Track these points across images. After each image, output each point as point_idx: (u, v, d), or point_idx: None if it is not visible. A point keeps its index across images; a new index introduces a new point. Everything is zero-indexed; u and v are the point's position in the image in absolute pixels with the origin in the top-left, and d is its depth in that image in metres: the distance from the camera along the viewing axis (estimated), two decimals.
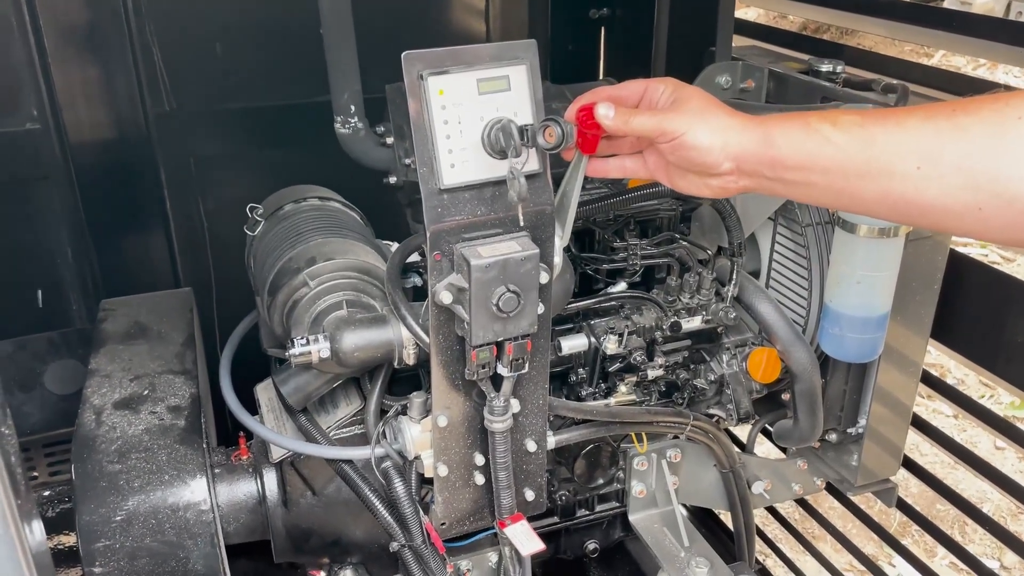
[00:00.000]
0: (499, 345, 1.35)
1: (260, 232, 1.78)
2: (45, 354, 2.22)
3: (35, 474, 2.08)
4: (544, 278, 1.34)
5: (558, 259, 1.40)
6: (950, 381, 3.00)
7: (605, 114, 1.19)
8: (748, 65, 2.06)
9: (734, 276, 1.79)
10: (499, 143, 1.25)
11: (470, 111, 1.26)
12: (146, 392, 1.80)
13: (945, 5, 6.31)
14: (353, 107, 1.78)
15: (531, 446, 1.51)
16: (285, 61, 2.56)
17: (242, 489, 1.75)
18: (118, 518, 1.57)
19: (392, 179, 1.77)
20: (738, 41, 2.34)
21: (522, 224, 1.32)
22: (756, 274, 2.01)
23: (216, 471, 1.75)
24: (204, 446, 1.69)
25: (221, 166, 2.69)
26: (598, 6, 3.03)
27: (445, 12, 2.85)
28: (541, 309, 1.37)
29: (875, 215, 1.08)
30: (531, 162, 1.30)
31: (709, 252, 1.83)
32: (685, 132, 1.15)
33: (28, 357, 2.20)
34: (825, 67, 1.95)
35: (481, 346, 1.33)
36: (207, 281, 2.67)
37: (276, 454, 1.70)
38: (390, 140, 1.76)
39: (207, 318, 2.71)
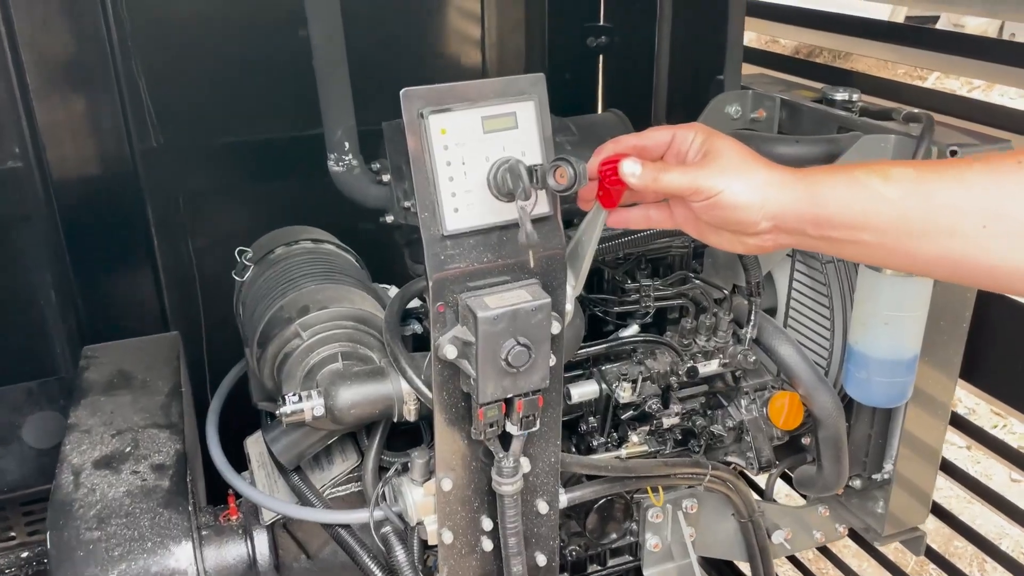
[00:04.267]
0: (508, 402, 1.25)
1: (249, 278, 1.68)
2: (24, 405, 2.11)
3: (12, 534, 1.95)
4: (556, 328, 1.24)
5: (570, 307, 1.30)
6: (960, 411, 2.90)
7: (631, 172, 1.10)
8: (759, 94, 1.97)
9: (752, 317, 1.69)
10: (506, 185, 1.16)
11: (475, 151, 1.17)
12: (128, 449, 1.69)
13: (938, 27, 6.30)
14: (347, 144, 1.68)
15: (543, 507, 1.41)
16: (276, 94, 2.49)
17: (232, 552, 1.63)
18: None
19: (389, 218, 1.68)
20: (744, 69, 2.27)
21: (531, 267, 1.22)
22: (772, 312, 1.92)
23: (203, 533, 1.63)
24: (190, 508, 1.58)
25: (211, 203, 2.61)
26: (596, 35, 2.97)
27: (440, 42, 2.77)
28: (553, 361, 1.27)
29: (932, 275, 0.99)
30: (541, 204, 1.20)
31: (725, 291, 1.73)
32: (722, 191, 1.05)
33: (7, 408, 2.08)
34: (840, 95, 1.87)
35: (489, 404, 1.22)
36: (197, 323, 2.58)
37: (268, 515, 1.59)
38: (386, 177, 1.66)
39: (196, 362, 2.61)
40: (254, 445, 1.77)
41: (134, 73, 2.36)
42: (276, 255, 1.69)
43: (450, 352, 1.20)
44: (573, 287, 1.30)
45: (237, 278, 1.71)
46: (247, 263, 1.68)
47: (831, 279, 1.73)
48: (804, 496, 2.08)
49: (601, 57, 3.00)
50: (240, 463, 1.77)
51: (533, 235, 1.14)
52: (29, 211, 2.36)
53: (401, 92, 1.13)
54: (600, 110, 3.08)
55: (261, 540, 1.61)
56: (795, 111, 1.91)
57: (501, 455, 1.29)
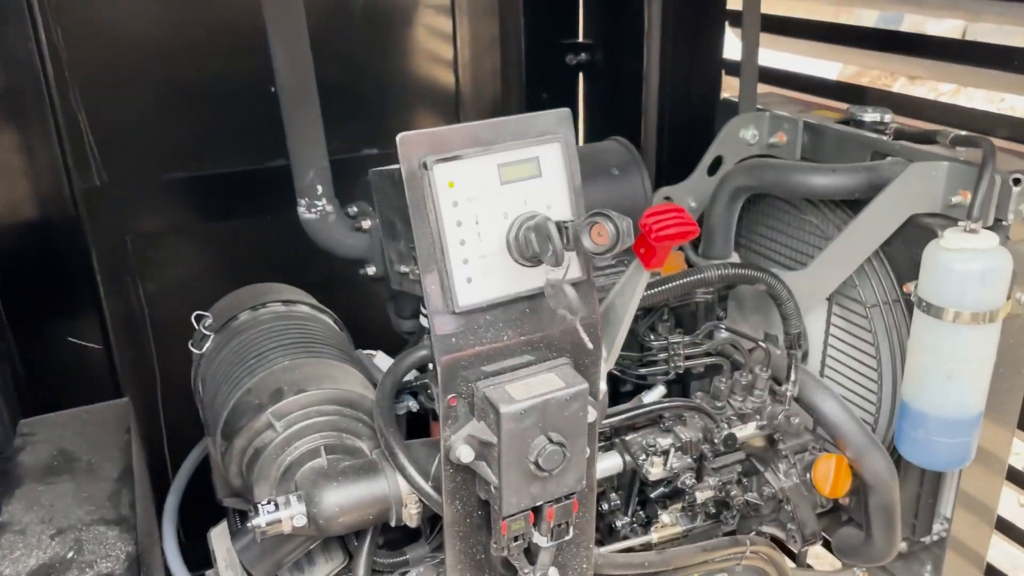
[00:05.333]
0: (536, 509, 1.02)
1: (210, 349, 1.42)
2: None
3: None
4: (592, 416, 1.02)
5: (604, 386, 1.08)
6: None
7: None
8: (777, 116, 1.78)
9: (793, 373, 1.48)
10: (531, 247, 0.93)
11: (491, 207, 0.94)
12: (71, 555, 1.43)
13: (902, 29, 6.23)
14: (320, 187, 1.45)
15: None
16: (231, 124, 2.27)
17: None
18: None
19: (371, 270, 1.45)
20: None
21: (590, 347, 1.00)
22: (804, 359, 1.71)
23: None
24: None
25: (163, 245, 2.37)
26: (575, 52, 2.78)
27: (409, 62, 2.56)
28: (587, 453, 1.04)
29: None
30: (572, 268, 0.98)
31: (761, 343, 1.52)
32: None
33: None
34: (870, 116, 1.68)
35: (514, 515, 0.99)
36: (152, 384, 2.33)
37: None
38: (366, 224, 1.43)
39: (154, 428, 2.36)
40: (220, 539, 1.52)
41: (72, 106, 2.13)
42: (240, 322, 1.43)
43: (465, 455, 0.97)
44: (606, 361, 1.08)
45: (195, 350, 1.46)
46: (206, 331, 1.42)
47: (877, 325, 1.53)
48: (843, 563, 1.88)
49: (581, 75, 2.81)
50: (206, 553, 1.53)
51: (576, 302, 0.92)
52: None
53: (398, 138, 0.91)
54: (582, 132, 2.89)
55: None
56: (819, 134, 1.72)
57: (527, 570, 1.06)
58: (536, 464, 0.96)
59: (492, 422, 0.95)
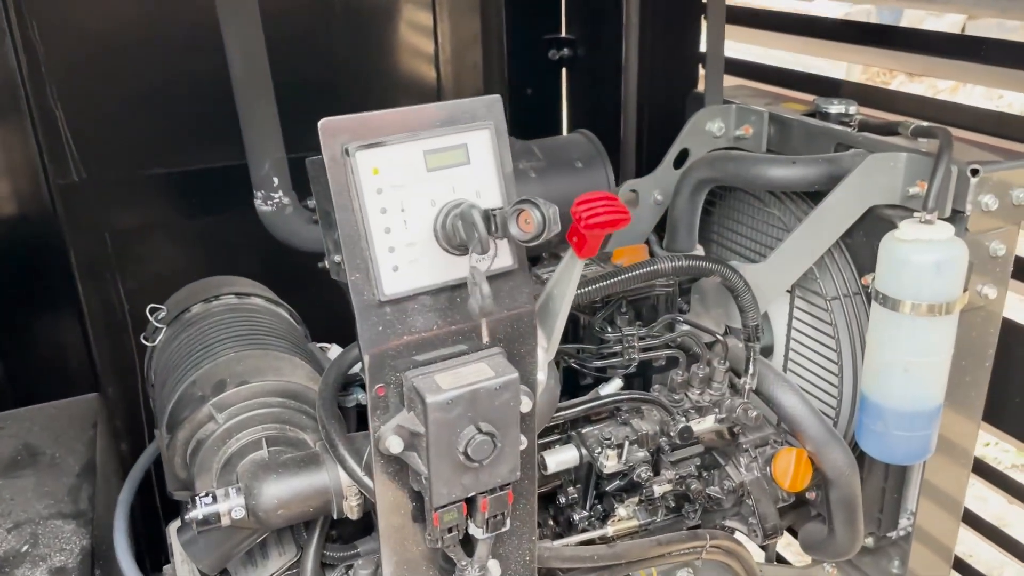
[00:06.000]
0: (470, 500, 1.01)
1: (162, 341, 1.42)
2: None
3: None
4: (527, 405, 1.01)
5: (542, 375, 1.07)
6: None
7: None
8: (744, 108, 1.76)
9: (752, 366, 1.47)
10: (458, 235, 0.92)
11: (417, 194, 0.93)
12: (25, 548, 1.43)
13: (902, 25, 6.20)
14: (276, 179, 1.45)
15: None
16: (209, 119, 2.26)
17: None
18: None
19: (327, 263, 1.44)
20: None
21: (486, 342, 0.99)
22: (769, 353, 1.70)
23: None
24: None
25: (142, 241, 2.37)
26: (558, 47, 2.77)
27: (387, 58, 2.54)
28: (524, 444, 1.03)
29: None
30: (503, 256, 0.97)
31: (718, 335, 1.51)
32: None
33: None
34: (835, 108, 1.66)
35: (446, 506, 0.98)
36: (132, 377, 2.32)
37: None
38: None
39: (134, 421, 2.36)
40: (178, 534, 1.51)
41: (49, 101, 2.12)
42: (192, 314, 1.43)
43: (394, 445, 0.96)
44: (545, 350, 1.07)
45: (147, 342, 1.45)
46: (158, 324, 1.42)
47: (837, 317, 1.51)
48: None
49: (564, 71, 2.80)
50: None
51: (489, 302, 0.91)
52: None
53: (320, 124, 0.90)
54: (566, 128, 2.88)
55: None
56: (785, 127, 1.70)
57: (464, 563, 1.05)
58: (466, 455, 0.95)
59: (420, 412, 0.94)
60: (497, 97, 0.97)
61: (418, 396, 0.93)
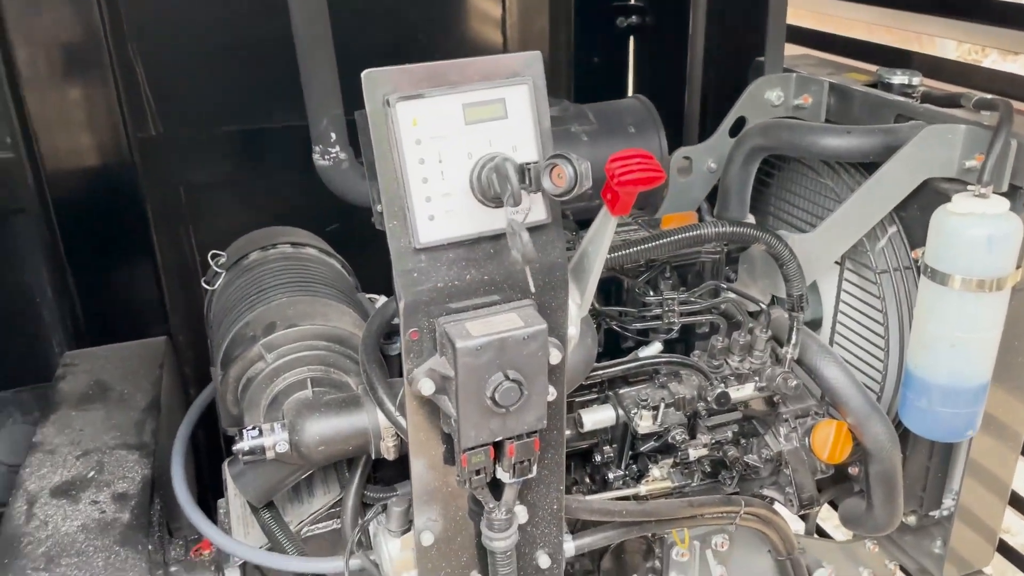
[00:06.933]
0: (498, 445, 1.05)
1: (220, 286, 1.49)
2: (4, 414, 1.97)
3: None
4: (556, 357, 1.04)
5: (574, 330, 1.09)
6: None
7: None
8: (804, 78, 1.74)
9: (794, 335, 1.46)
10: (492, 187, 0.95)
11: (454, 146, 0.96)
12: (92, 474, 1.53)
13: None
14: (334, 135, 1.49)
15: (543, 561, 1.21)
16: (282, 79, 2.31)
17: None
18: None
19: (374, 214, 1.49)
20: (789, 50, 2.03)
21: (532, 291, 1.02)
22: (817, 326, 1.69)
23: (172, 569, 1.47)
24: (153, 544, 1.41)
25: (214, 194, 2.45)
26: (626, 14, 2.74)
27: (456, 21, 2.57)
28: (553, 395, 1.06)
29: None
30: (536, 210, 1.00)
31: (762, 304, 1.51)
32: None
33: None
34: (898, 79, 1.63)
35: (474, 448, 1.03)
36: (200, 323, 2.43)
37: None
38: None
39: (200, 365, 2.47)
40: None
41: (131, 58, 2.21)
42: (250, 261, 1.50)
43: (426, 387, 1.00)
44: (578, 306, 1.10)
45: (207, 286, 1.53)
46: (218, 269, 1.49)
47: (886, 291, 1.49)
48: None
49: (632, 39, 2.77)
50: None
51: (530, 248, 0.93)
52: (22, 204, 2.22)
53: (363, 75, 0.94)
54: (631, 94, 2.86)
55: None
56: (846, 97, 1.67)
57: (491, 505, 1.10)
58: (493, 400, 0.99)
59: (450, 357, 0.98)
60: (537, 54, 0.99)
61: (449, 341, 0.97)
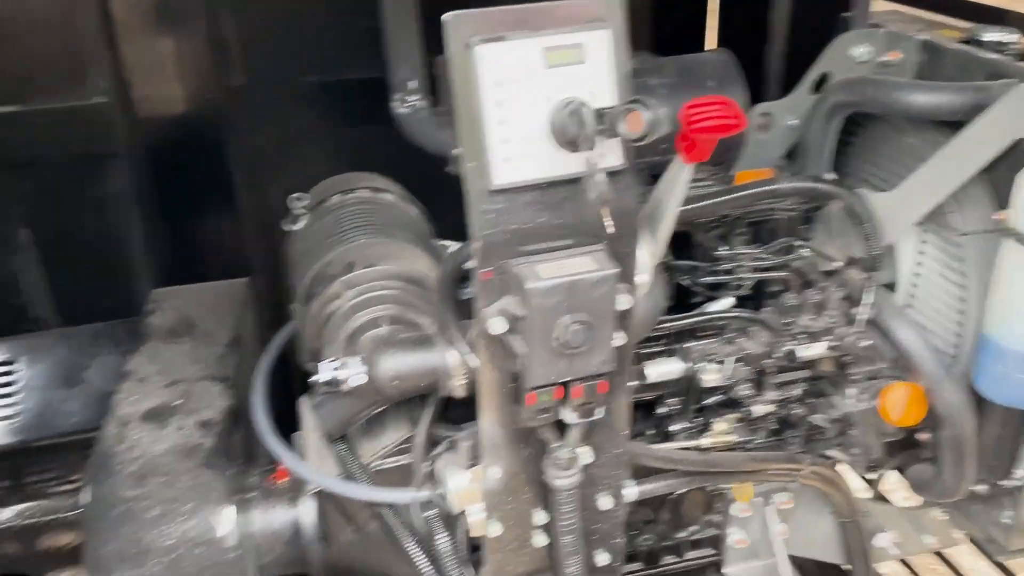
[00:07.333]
0: (564, 386, 1.08)
1: (301, 227, 1.55)
2: (92, 346, 2.08)
3: (75, 477, 1.94)
4: (625, 303, 1.06)
5: (644, 278, 1.11)
6: None
7: None
8: (892, 33, 1.68)
9: (869, 295, 1.45)
10: (569, 131, 0.97)
11: (533, 89, 0.98)
12: (178, 402, 1.62)
13: None
14: (413, 83, 1.52)
15: (605, 503, 1.24)
16: (370, 30, 2.36)
17: (278, 518, 1.53)
18: (132, 552, 1.38)
19: (455, 169, 1.51)
20: (876, 5, 1.96)
21: (610, 232, 1.03)
22: (892, 288, 1.65)
23: (250, 496, 1.55)
24: (233, 470, 1.49)
25: (298, 144, 2.51)
26: None
27: None
28: (620, 340, 1.08)
29: None
30: (612, 155, 1.01)
31: (838, 263, 1.49)
32: None
33: (74, 349, 2.06)
34: (991, 36, 1.57)
35: (541, 387, 1.05)
36: (280, 268, 2.51)
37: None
38: None
39: (279, 308, 2.55)
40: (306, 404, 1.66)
41: (219, 7, 2.27)
42: (330, 204, 1.55)
43: (497, 326, 1.03)
44: (650, 254, 1.11)
45: (288, 227, 1.59)
46: (300, 211, 1.55)
47: (969, 254, 1.46)
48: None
49: None
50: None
51: (607, 188, 0.95)
52: (115, 148, 2.32)
53: (444, 18, 0.96)
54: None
55: (307, 508, 1.50)
56: (935, 54, 1.62)
57: (555, 445, 1.13)
58: (561, 341, 1.01)
59: (521, 297, 1.00)
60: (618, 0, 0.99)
61: (520, 282, 1.00)
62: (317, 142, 2.53)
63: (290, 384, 2.27)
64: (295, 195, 1.61)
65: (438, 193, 1.82)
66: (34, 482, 1.96)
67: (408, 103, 1.53)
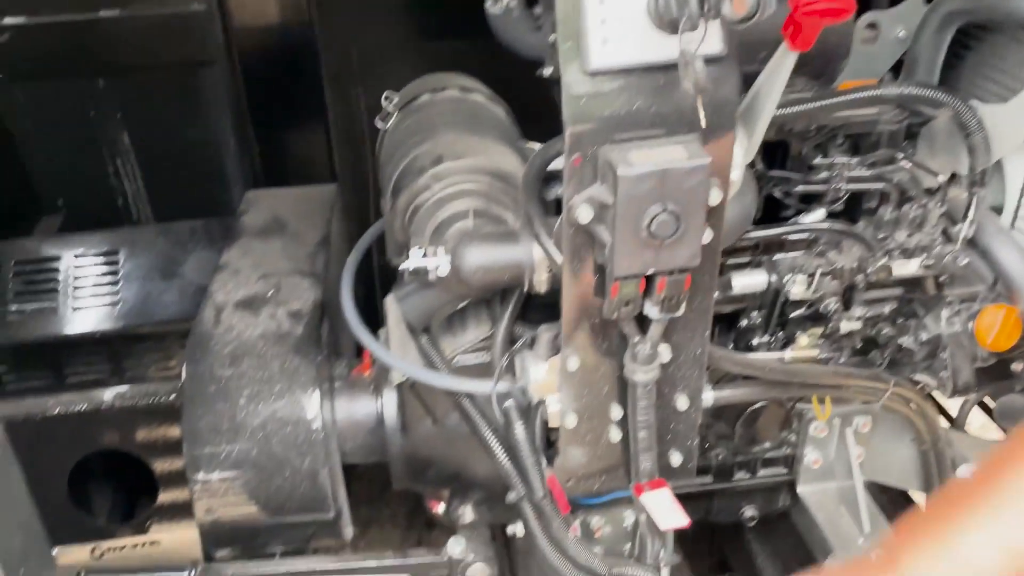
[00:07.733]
0: (649, 279, 1.07)
1: (392, 125, 1.57)
2: (189, 241, 2.17)
3: (172, 363, 2.04)
4: (716, 197, 1.04)
5: (737, 175, 1.09)
6: None
7: None
8: None
9: (971, 212, 1.39)
10: (670, 10, 0.94)
11: None
12: (270, 293, 1.68)
13: None
14: None
15: (682, 403, 1.24)
16: None
17: (361, 408, 1.59)
18: (225, 426, 1.46)
19: (547, 71, 1.49)
20: None
21: (703, 124, 1.01)
22: (998, 211, 1.58)
23: (336, 385, 1.60)
24: (321, 358, 1.54)
25: (386, 56, 2.51)
26: None
27: None
28: (708, 237, 1.07)
29: None
30: (711, 41, 0.98)
31: (940, 179, 1.43)
32: None
33: (172, 244, 2.15)
34: None
35: (626, 278, 1.05)
36: (364, 178, 2.54)
37: (397, 375, 1.52)
38: None
39: (364, 214, 2.61)
40: (394, 303, 1.70)
41: None
42: (420, 102, 1.56)
43: (584, 215, 1.03)
44: (744, 150, 1.09)
45: (380, 124, 1.61)
46: (391, 109, 1.56)
47: None
48: (1004, 430, 1.78)
49: None
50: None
51: (703, 76, 0.92)
52: (211, 56, 2.37)
53: None
54: None
55: (389, 399, 1.55)
56: None
57: (636, 339, 1.13)
58: (649, 230, 1.00)
59: (611, 184, 1.00)
60: None
61: (610, 169, 0.99)
62: (404, 52, 2.52)
63: (371, 287, 2.33)
64: (387, 93, 1.63)
65: (525, 97, 1.81)
66: (132, 367, 2.07)
67: (500, 3, 1.51)
